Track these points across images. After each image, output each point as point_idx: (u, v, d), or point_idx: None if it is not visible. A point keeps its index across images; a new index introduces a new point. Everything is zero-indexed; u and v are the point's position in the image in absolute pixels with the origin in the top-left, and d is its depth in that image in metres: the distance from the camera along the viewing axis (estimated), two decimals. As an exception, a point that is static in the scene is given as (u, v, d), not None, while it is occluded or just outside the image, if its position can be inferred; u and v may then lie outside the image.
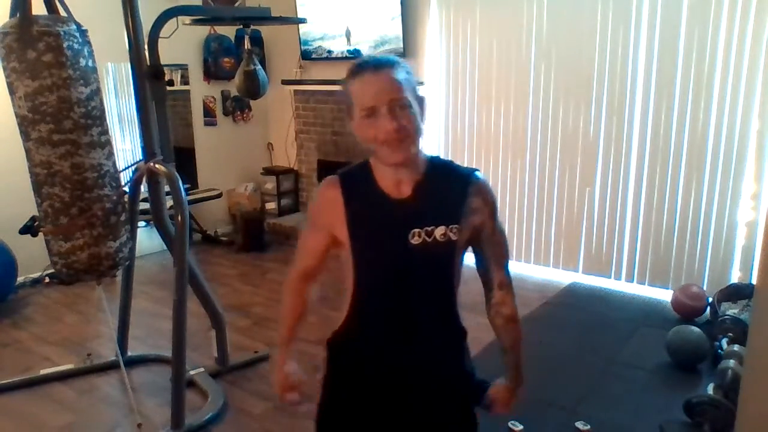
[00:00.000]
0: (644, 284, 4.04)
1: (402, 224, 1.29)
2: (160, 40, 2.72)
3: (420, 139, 1.28)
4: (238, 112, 5.70)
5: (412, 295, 1.33)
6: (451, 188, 1.33)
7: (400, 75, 1.25)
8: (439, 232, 1.29)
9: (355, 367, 1.41)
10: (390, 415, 1.40)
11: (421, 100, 1.30)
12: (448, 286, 1.36)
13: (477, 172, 1.36)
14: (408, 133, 1.24)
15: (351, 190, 1.34)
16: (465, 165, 1.40)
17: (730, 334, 2.92)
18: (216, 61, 5.35)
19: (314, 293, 1.49)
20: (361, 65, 1.27)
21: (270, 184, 5.78)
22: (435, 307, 1.37)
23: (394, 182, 1.31)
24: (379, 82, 1.23)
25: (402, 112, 1.23)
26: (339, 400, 1.45)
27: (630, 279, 4.11)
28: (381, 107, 1.22)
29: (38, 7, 2.35)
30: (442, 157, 1.41)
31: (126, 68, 3.22)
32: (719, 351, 2.85)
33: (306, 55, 5.37)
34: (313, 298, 1.49)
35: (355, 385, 1.42)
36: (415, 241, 1.28)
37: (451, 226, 1.29)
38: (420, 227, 1.28)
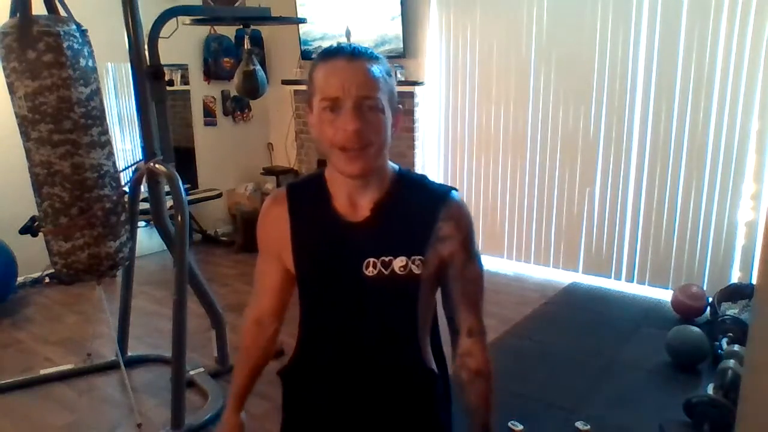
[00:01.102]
0: (644, 284, 4.04)
1: (355, 252, 1.09)
2: (160, 40, 2.72)
3: (385, 151, 1.07)
4: (238, 112, 5.70)
5: (367, 334, 1.13)
6: (418, 210, 1.10)
7: (378, 72, 1.04)
8: (399, 263, 1.07)
9: (305, 405, 1.25)
10: None
11: (396, 111, 1.09)
12: (411, 327, 1.13)
13: (453, 192, 1.13)
14: (371, 141, 1.02)
15: (299, 207, 1.14)
16: (442, 180, 1.13)
17: (730, 334, 2.92)
18: (216, 61, 5.35)
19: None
20: (334, 50, 1.05)
21: (270, 184, 5.78)
22: (395, 349, 1.15)
23: (349, 201, 1.10)
24: (350, 72, 1.01)
25: (371, 115, 1.02)
26: None
27: (630, 279, 4.11)
28: (346, 101, 1.00)
29: (38, 7, 2.35)
30: (415, 171, 1.24)
31: (126, 68, 3.22)
32: (719, 351, 2.85)
33: (306, 55, 5.37)
34: (274, 345, 1.29)
35: (307, 424, 1.26)
36: (369, 272, 1.08)
37: (413, 257, 1.07)
38: (376, 256, 1.07)
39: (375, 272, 1.08)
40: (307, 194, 1.15)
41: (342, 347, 1.16)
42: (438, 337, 1.25)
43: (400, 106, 1.12)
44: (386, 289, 1.09)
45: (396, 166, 1.15)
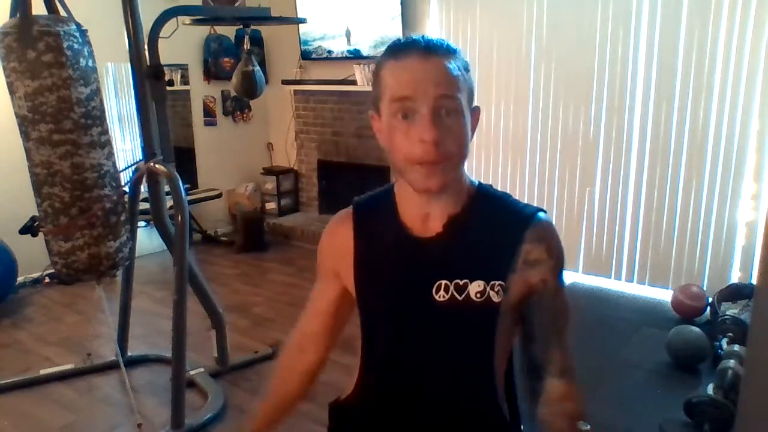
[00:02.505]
0: (644, 284, 4.04)
1: (424, 272, 0.95)
2: (160, 40, 2.72)
3: (464, 160, 0.94)
4: (238, 112, 5.70)
5: (434, 369, 0.99)
6: (500, 230, 0.96)
7: (457, 69, 0.89)
8: (476, 288, 0.93)
9: None
10: None
11: (476, 111, 0.96)
12: (485, 364, 0.98)
13: (542, 212, 1.00)
14: (451, 152, 0.89)
15: (364, 225, 1.02)
16: (526, 201, 1.00)
17: (730, 334, 2.92)
18: (216, 61, 5.35)
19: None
20: (405, 43, 0.90)
21: (270, 184, 5.78)
22: (465, 389, 1.01)
23: (421, 215, 0.97)
24: (425, 69, 0.87)
25: (450, 120, 0.88)
26: None
27: (630, 279, 4.10)
28: (422, 104, 0.87)
29: (38, 7, 2.35)
30: (496, 187, 1.03)
31: (126, 68, 3.22)
32: (719, 351, 2.85)
33: (306, 55, 5.37)
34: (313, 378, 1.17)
35: None
36: (440, 297, 0.94)
37: (492, 282, 0.94)
38: (449, 279, 0.94)
39: (447, 297, 0.94)
40: (373, 209, 1.04)
41: (404, 383, 1.02)
42: (513, 381, 1.07)
43: (478, 105, 0.98)
44: (459, 317, 0.94)
45: (475, 180, 1.02)
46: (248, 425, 1.21)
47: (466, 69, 0.92)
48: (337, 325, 1.11)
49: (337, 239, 1.04)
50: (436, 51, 0.88)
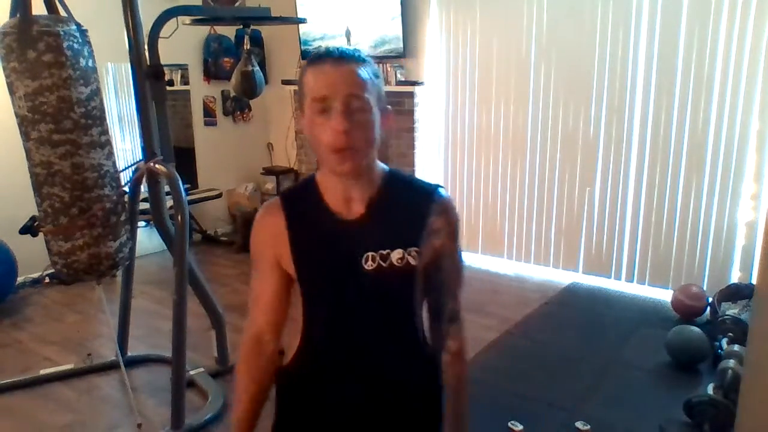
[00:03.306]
0: (644, 284, 4.04)
1: (354, 248, 1.13)
2: (160, 40, 2.72)
3: (374, 150, 1.12)
4: (238, 112, 5.70)
5: (368, 326, 1.17)
6: (411, 206, 1.14)
7: (365, 73, 1.08)
8: (396, 255, 1.12)
9: (306, 405, 1.24)
10: None
11: (384, 111, 1.13)
12: (409, 316, 1.15)
13: (441, 189, 1.19)
14: (360, 140, 1.06)
15: (294, 213, 1.16)
16: (442, 180, 1.21)
17: (730, 334, 2.92)
18: (216, 61, 5.35)
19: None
20: (322, 53, 1.10)
21: (270, 184, 5.78)
22: (395, 339, 1.18)
23: (343, 199, 1.14)
24: (339, 72, 1.06)
25: (359, 115, 1.06)
26: None
27: (630, 279, 4.11)
28: (335, 100, 1.04)
29: (38, 7, 2.36)
30: (403, 171, 1.24)
31: (126, 68, 3.22)
32: (719, 351, 2.85)
33: (306, 55, 5.37)
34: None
35: (311, 420, 1.24)
36: (368, 266, 1.12)
37: (409, 249, 1.12)
38: (374, 250, 1.12)
39: (374, 265, 1.12)
40: (300, 199, 1.19)
41: (345, 340, 1.19)
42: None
43: (389, 107, 1.15)
44: (385, 280, 1.13)
45: (385, 166, 1.19)
46: None
47: (376, 75, 1.11)
48: (286, 309, 1.22)
49: (271, 229, 1.17)
50: (347, 59, 1.07)
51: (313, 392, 1.23)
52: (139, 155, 3.75)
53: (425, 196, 1.16)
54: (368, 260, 1.12)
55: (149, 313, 3.82)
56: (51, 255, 2.52)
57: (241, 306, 3.96)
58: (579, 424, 2.46)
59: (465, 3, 4.45)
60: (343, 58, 1.07)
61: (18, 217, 3.01)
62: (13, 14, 2.29)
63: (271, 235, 1.17)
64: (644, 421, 2.53)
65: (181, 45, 4.91)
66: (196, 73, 5.30)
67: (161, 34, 2.71)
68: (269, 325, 1.21)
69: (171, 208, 2.72)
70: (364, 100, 1.06)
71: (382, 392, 1.20)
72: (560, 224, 4.35)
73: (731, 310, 3.16)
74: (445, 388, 1.18)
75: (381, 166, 1.18)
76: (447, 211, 1.16)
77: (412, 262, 1.12)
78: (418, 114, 4.77)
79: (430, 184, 1.20)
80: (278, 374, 1.26)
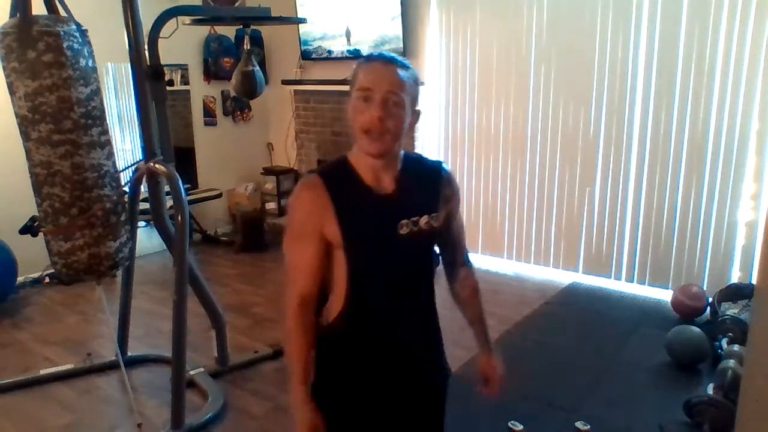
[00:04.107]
0: (644, 284, 4.04)
1: (392, 217, 1.35)
2: (160, 40, 2.72)
3: (400, 139, 1.34)
4: (238, 112, 5.70)
5: (402, 280, 1.41)
6: (426, 180, 1.43)
7: (407, 78, 1.30)
8: (423, 221, 1.37)
9: (352, 353, 1.43)
10: (381, 396, 1.44)
11: (417, 113, 1.35)
12: (430, 271, 1.45)
13: (444, 164, 1.48)
14: (389, 129, 1.28)
15: (335, 188, 1.33)
16: (434, 158, 1.51)
17: (730, 334, 2.93)
18: (216, 61, 5.35)
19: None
20: (375, 54, 1.34)
21: (270, 184, 5.78)
22: (420, 291, 1.46)
23: (375, 177, 1.36)
24: (384, 71, 1.29)
25: (394, 109, 1.28)
26: (338, 389, 1.44)
27: (630, 279, 4.11)
28: (376, 94, 1.27)
29: (38, 7, 2.36)
30: (409, 151, 1.46)
31: (126, 68, 3.22)
32: (719, 351, 2.85)
33: (306, 55, 5.37)
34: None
35: (353, 371, 1.43)
36: (403, 231, 1.35)
37: (432, 214, 1.39)
38: (407, 218, 1.36)
39: (407, 230, 1.36)
40: (337, 177, 1.36)
41: (382, 297, 1.40)
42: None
43: (420, 110, 1.37)
44: (415, 241, 1.38)
45: (402, 151, 1.42)
46: (305, 412, 1.36)
47: (415, 82, 1.34)
48: (322, 276, 1.38)
49: (315, 201, 1.33)
50: (394, 62, 1.31)
51: (353, 347, 1.42)
52: (139, 155, 3.75)
53: (434, 171, 1.45)
54: (403, 227, 1.35)
55: (149, 313, 3.82)
56: (51, 255, 2.52)
57: (241, 306, 3.96)
58: (579, 424, 2.46)
59: (465, 3, 4.45)
60: (390, 61, 1.30)
61: (18, 217, 3.01)
62: (13, 14, 2.29)
63: (314, 207, 1.33)
64: (644, 421, 2.53)
65: (181, 45, 4.92)
66: (196, 73, 5.31)
67: (161, 34, 2.71)
68: (314, 285, 1.37)
69: (171, 208, 2.72)
70: (400, 98, 1.28)
71: (407, 340, 1.44)
72: (560, 224, 4.35)
73: (731, 310, 3.16)
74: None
75: (401, 151, 1.41)
76: (452, 182, 1.47)
77: (434, 224, 1.39)
78: (418, 114, 4.77)
79: (434, 161, 1.48)
80: (320, 340, 1.41)
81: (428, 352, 1.51)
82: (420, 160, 1.47)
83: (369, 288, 1.38)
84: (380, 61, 1.31)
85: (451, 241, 1.50)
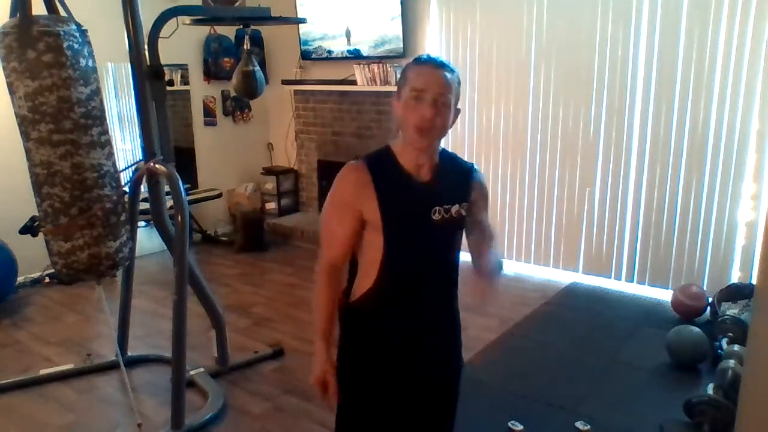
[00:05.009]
0: (644, 284, 4.04)
1: (427, 203, 1.48)
2: (160, 40, 2.72)
3: (443, 135, 1.49)
4: (238, 112, 5.70)
5: (429, 264, 1.53)
6: (460, 174, 1.56)
7: (453, 80, 1.44)
8: (455, 209, 1.50)
9: (375, 330, 1.55)
10: (399, 375, 1.56)
11: (457, 111, 1.48)
12: (456, 260, 1.57)
13: (476, 166, 1.62)
14: (437, 126, 1.42)
15: (378, 173, 1.47)
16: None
17: (730, 334, 2.92)
18: (216, 61, 5.35)
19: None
20: (427, 57, 1.47)
21: (270, 184, 5.78)
22: (445, 277, 1.57)
23: (415, 166, 1.49)
24: (436, 75, 1.41)
25: (442, 108, 1.41)
26: (360, 361, 1.57)
27: (630, 279, 4.11)
28: (427, 94, 1.40)
29: (38, 7, 2.35)
30: (446, 149, 1.58)
31: (126, 68, 3.22)
32: (719, 351, 2.85)
33: (306, 55, 5.37)
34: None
35: (375, 346, 1.55)
36: (436, 217, 1.48)
37: (462, 204, 1.51)
38: (440, 205, 1.48)
39: (440, 217, 1.48)
40: (381, 164, 1.50)
41: (411, 277, 1.52)
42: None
43: (459, 108, 1.50)
44: (446, 227, 1.50)
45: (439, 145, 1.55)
46: (319, 365, 1.52)
47: (459, 83, 1.48)
48: (352, 248, 1.53)
49: (359, 183, 1.47)
50: (443, 67, 1.44)
51: (382, 320, 1.54)
52: (139, 155, 3.75)
53: (468, 169, 1.58)
54: (436, 213, 1.48)
55: (149, 313, 3.82)
56: (51, 255, 2.52)
57: (241, 306, 3.96)
58: (579, 424, 2.46)
59: (465, 3, 4.45)
60: (440, 65, 1.44)
61: (18, 217, 3.01)
62: (13, 14, 2.29)
63: (358, 187, 1.47)
64: (644, 421, 2.53)
65: (181, 45, 4.91)
66: (196, 73, 5.30)
67: (161, 34, 2.71)
68: (344, 255, 1.53)
69: (171, 208, 2.72)
70: (447, 99, 1.42)
71: (428, 323, 1.56)
72: (560, 224, 4.36)
73: (731, 310, 3.16)
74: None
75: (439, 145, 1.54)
76: (482, 182, 1.61)
77: (464, 213, 1.52)
78: (418, 114, 4.77)
79: (467, 162, 1.62)
80: (348, 308, 1.56)
81: (446, 339, 1.63)
82: (455, 158, 1.60)
83: (400, 268, 1.50)
84: (431, 64, 1.44)
85: (474, 229, 1.55)
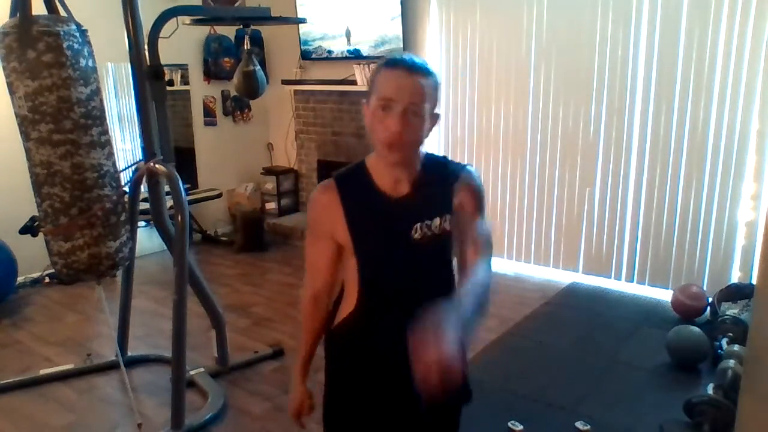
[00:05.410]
0: (644, 284, 4.04)
1: (405, 220, 1.33)
2: (160, 40, 2.72)
3: (419, 145, 1.32)
4: (238, 112, 5.70)
5: (416, 285, 1.37)
6: (442, 181, 1.38)
7: (428, 86, 1.26)
8: (436, 223, 1.34)
9: (360, 359, 1.43)
10: (392, 404, 1.43)
11: (435, 116, 1.32)
12: (448, 273, 1.42)
13: (468, 166, 1.42)
14: (408, 140, 1.26)
15: (347, 192, 1.35)
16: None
17: (730, 334, 2.92)
18: (216, 61, 5.35)
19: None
20: (398, 60, 1.27)
21: (270, 184, 5.78)
22: (438, 291, 1.32)
23: (392, 181, 1.34)
24: (407, 81, 1.24)
25: (413, 119, 1.25)
26: (344, 392, 1.48)
27: (630, 279, 4.11)
28: (397, 105, 1.23)
29: (38, 7, 2.36)
30: (439, 154, 1.44)
31: (126, 68, 3.22)
32: (719, 351, 2.85)
33: (306, 55, 5.37)
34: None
35: (360, 375, 1.44)
36: (417, 235, 1.33)
37: (444, 216, 1.35)
38: (420, 221, 1.33)
39: (421, 234, 1.33)
40: (352, 180, 1.37)
41: (395, 300, 1.37)
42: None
43: (438, 113, 1.34)
44: (429, 244, 1.34)
45: (424, 151, 1.39)
46: (296, 387, 1.50)
47: (436, 87, 1.29)
48: (336, 275, 1.42)
49: (327, 204, 1.35)
50: (417, 71, 1.24)
51: (364, 348, 1.41)
52: (139, 155, 3.75)
53: (454, 173, 1.39)
54: (417, 230, 1.32)
55: (149, 313, 3.82)
56: (51, 255, 2.52)
57: (241, 306, 3.96)
58: (579, 424, 2.46)
59: (465, 3, 4.45)
60: (414, 70, 1.24)
61: (18, 217, 3.01)
62: (13, 14, 2.29)
63: (326, 210, 1.35)
64: (644, 421, 2.53)
65: (181, 45, 4.91)
66: (196, 73, 5.31)
67: (161, 34, 2.71)
68: (325, 286, 1.43)
69: (171, 208, 2.72)
70: (420, 108, 1.24)
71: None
72: (560, 224, 4.35)
73: (731, 310, 3.16)
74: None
75: (422, 151, 1.38)
76: (471, 181, 1.39)
77: (448, 226, 1.35)
78: (418, 114, 4.77)
79: (460, 164, 1.42)
80: (330, 334, 1.46)
81: None
82: (444, 164, 1.42)
83: (379, 292, 1.38)
84: (402, 68, 1.25)
85: (466, 243, 1.39)
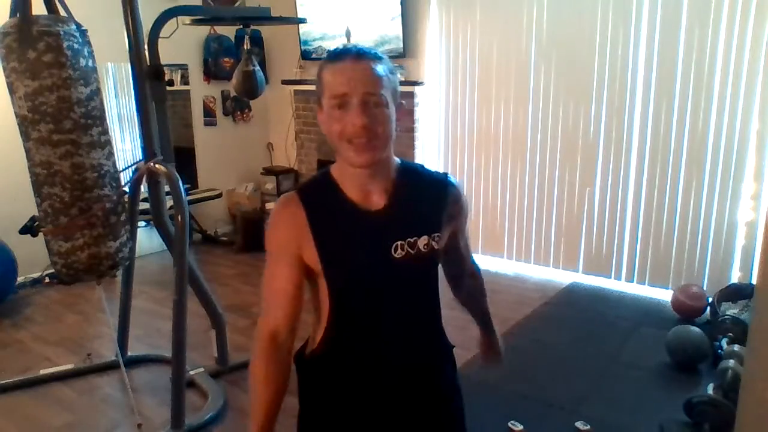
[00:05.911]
0: (644, 284, 4.04)
1: (383, 238, 1.17)
2: (160, 40, 2.72)
3: (390, 143, 1.16)
4: (238, 112, 5.70)
5: (396, 312, 1.22)
6: (427, 195, 1.23)
7: (382, 70, 1.12)
8: (423, 242, 1.18)
9: (333, 391, 1.27)
10: None
11: (398, 105, 1.17)
12: (433, 298, 1.27)
13: (450, 177, 1.28)
14: (377, 134, 1.11)
15: (314, 206, 1.17)
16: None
17: (730, 334, 2.92)
18: (216, 61, 5.35)
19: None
20: (342, 50, 1.13)
21: (270, 184, 5.78)
22: (421, 321, 1.27)
23: (362, 192, 1.17)
24: (356, 72, 1.09)
25: (376, 110, 1.10)
26: (319, 420, 1.30)
27: (630, 279, 4.11)
28: (353, 98, 1.09)
29: (38, 7, 2.35)
30: (408, 161, 1.30)
31: (126, 68, 3.22)
32: (719, 351, 2.85)
33: (306, 55, 5.37)
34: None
35: (337, 407, 1.27)
36: (398, 254, 1.17)
37: (433, 235, 1.20)
38: (402, 239, 1.17)
39: (403, 253, 1.17)
40: (318, 193, 1.21)
41: (373, 327, 1.22)
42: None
43: (402, 102, 1.20)
44: (413, 266, 1.19)
45: (397, 159, 1.24)
46: None
47: (392, 72, 1.15)
48: (299, 306, 1.20)
49: (292, 222, 1.17)
50: (365, 57, 1.11)
51: (340, 379, 1.25)
52: (139, 155, 3.74)
53: (439, 185, 1.25)
54: (398, 249, 1.17)
55: (149, 313, 3.82)
56: (51, 255, 2.52)
57: (241, 306, 3.96)
58: (579, 424, 2.46)
59: (465, 3, 4.45)
60: (361, 56, 1.11)
61: (18, 217, 3.01)
62: (13, 14, 2.29)
63: (291, 228, 1.17)
64: (644, 421, 2.53)
65: (181, 45, 4.91)
66: (196, 73, 5.30)
67: (161, 34, 2.71)
68: (286, 318, 1.19)
69: (171, 208, 2.72)
70: (380, 97, 1.10)
71: (407, 376, 1.25)
72: (560, 224, 4.35)
73: (731, 310, 3.16)
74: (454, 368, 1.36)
75: (394, 159, 1.23)
76: (459, 197, 1.27)
77: (436, 246, 1.21)
78: (418, 114, 4.77)
79: (439, 173, 1.28)
80: (302, 364, 1.29)
81: (435, 389, 1.30)
82: (420, 171, 1.27)
83: (354, 319, 1.21)
84: (349, 58, 1.10)
85: (456, 259, 1.34)
